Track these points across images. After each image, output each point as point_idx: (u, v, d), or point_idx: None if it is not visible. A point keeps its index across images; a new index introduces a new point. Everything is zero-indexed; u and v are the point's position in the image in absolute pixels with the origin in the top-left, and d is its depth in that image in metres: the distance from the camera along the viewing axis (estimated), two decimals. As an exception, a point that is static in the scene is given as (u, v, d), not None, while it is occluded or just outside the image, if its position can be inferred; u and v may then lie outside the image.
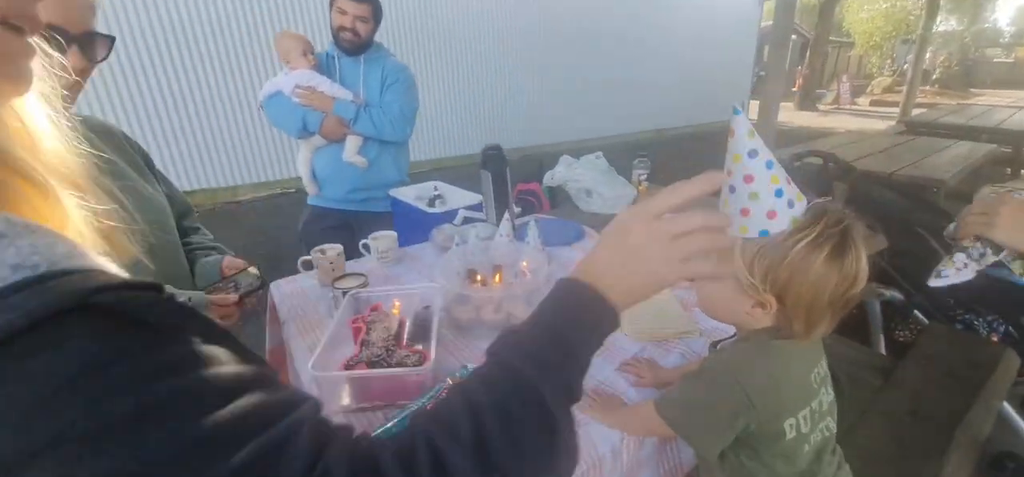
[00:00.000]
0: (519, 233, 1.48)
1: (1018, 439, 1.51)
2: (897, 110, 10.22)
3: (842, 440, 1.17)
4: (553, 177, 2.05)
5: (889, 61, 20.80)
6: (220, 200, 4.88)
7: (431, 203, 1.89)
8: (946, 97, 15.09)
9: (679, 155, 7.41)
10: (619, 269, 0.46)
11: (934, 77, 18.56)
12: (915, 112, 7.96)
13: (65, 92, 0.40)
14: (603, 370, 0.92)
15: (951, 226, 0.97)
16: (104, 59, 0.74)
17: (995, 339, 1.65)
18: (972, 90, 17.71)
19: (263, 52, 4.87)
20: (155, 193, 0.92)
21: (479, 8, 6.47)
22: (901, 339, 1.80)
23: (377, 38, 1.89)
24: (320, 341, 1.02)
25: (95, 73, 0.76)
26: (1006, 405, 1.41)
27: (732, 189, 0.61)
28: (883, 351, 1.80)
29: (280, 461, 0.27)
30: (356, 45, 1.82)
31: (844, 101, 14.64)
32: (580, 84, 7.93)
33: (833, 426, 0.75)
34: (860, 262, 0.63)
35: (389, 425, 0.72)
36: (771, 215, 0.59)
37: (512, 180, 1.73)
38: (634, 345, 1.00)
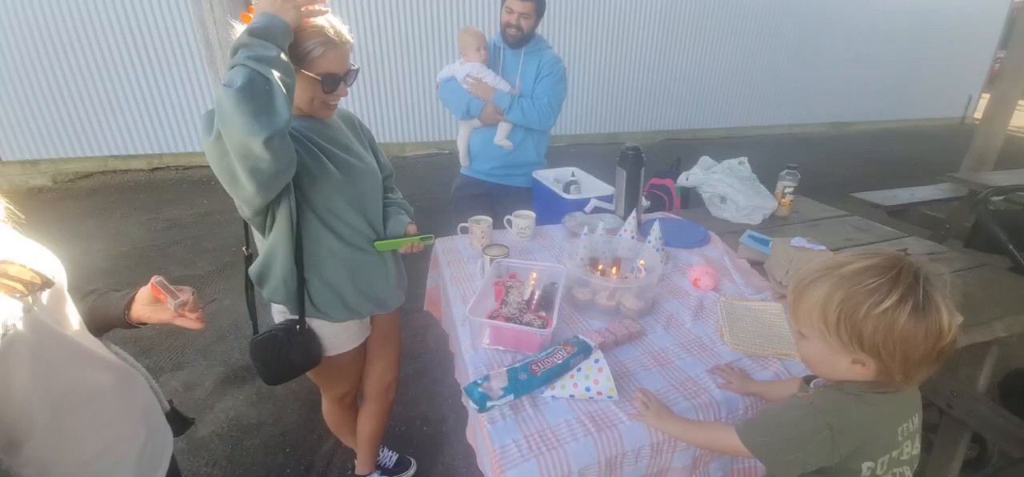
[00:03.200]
0: (643, 229, 1.61)
1: None
2: None
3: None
4: (688, 178, 2.08)
5: None
6: (390, 154, 5.79)
7: (566, 188, 2.10)
8: None
9: (857, 159, 6.35)
10: None
11: None
12: None
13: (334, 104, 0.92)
14: (694, 368, 1.05)
15: None
16: (353, 82, 1.14)
17: None
18: None
19: (438, 38, 5.62)
20: (371, 163, 1.29)
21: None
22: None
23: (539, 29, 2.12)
24: (469, 292, 1.34)
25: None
26: None
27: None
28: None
29: None
30: (519, 39, 2.08)
31: None
32: (744, 67, 7.18)
33: (908, 474, 0.77)
34: (943, 315, 0.61)
35: (515, 365, 0.98)
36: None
37: (647, 173, 1.84)
38: (731, 354, 1.10)
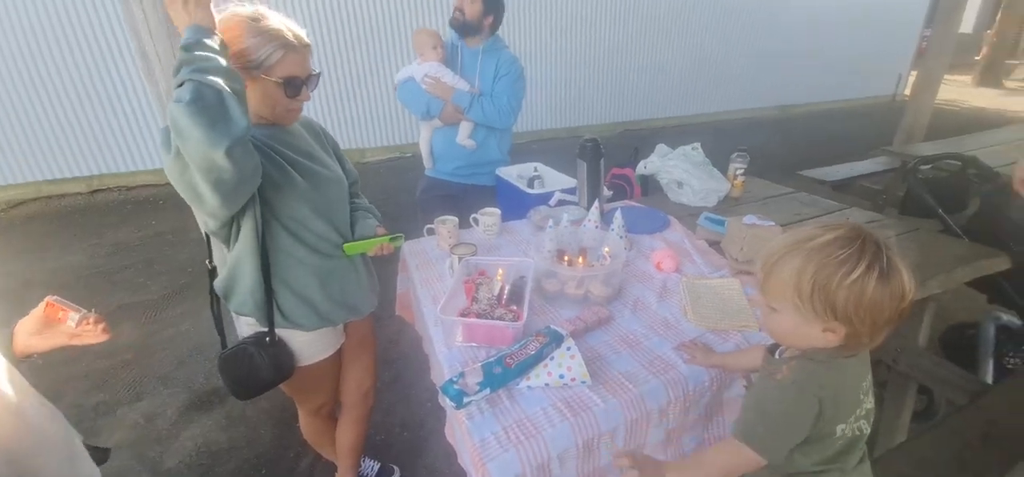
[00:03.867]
0: (606, 218, 1.66)
1: None
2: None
3: (904, 446, 1.23)
4: (646, 166, 2.15)
5: None
6: (351, 159, 5.67)
7: (530, 184, 2.13)
8: None
9: (803, 140, 6.73)
10: None
11: None
12: None
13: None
14: (662, 347, 1.10)
15: None
16: (315, 87, 1.12)
17: None
18: None
19: (395, 39, 5.56)
20: (337, 170, 1.27)
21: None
22: (1011, 366, 1.65)
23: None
24: (440, 292, 1.34)
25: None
26: None
27: None
28: (990, 376, 1.68)
29: None
30: (463, 25, 2.06)
31: (1044, 75, 11.69)
32: (695, 58, 7.46)
33: (866, 429, 0.83)
34: (904, 277, 0.66)
35: (489, 360, 1.00)
36: None
37: (607, 164, 1.89)
38: (695, 330, 1.15)
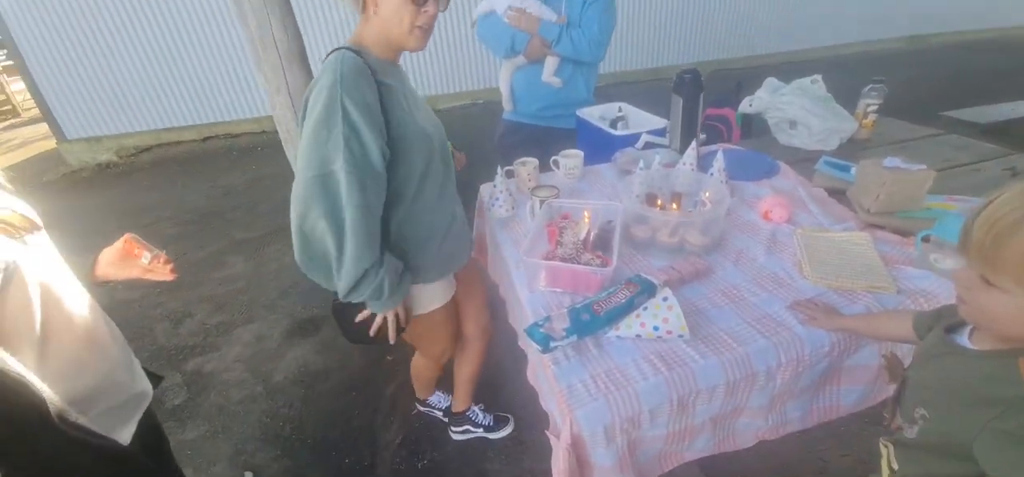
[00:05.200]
0: (703, 162, 1.49)
1: None
2: None
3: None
4: (752, 103, 1.90)
5: None
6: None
7: (613, 124, 1.97)
8: None
9: (942, 75, 5.64)
10: None
11: None
12: None
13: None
14: (771, 304, 0.97)
15: None
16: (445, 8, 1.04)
17: None
18: None
19: None
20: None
21: None
22: None
23: None
24: (520, 235, 1.30)
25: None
26: None
27: None
28: None
29: None
30: None
31: None
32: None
33: None
34: None
35: (577, 306, 0.94)
36: None
37: (703, 102, 1.69)
38: (812, 288, 1.01)
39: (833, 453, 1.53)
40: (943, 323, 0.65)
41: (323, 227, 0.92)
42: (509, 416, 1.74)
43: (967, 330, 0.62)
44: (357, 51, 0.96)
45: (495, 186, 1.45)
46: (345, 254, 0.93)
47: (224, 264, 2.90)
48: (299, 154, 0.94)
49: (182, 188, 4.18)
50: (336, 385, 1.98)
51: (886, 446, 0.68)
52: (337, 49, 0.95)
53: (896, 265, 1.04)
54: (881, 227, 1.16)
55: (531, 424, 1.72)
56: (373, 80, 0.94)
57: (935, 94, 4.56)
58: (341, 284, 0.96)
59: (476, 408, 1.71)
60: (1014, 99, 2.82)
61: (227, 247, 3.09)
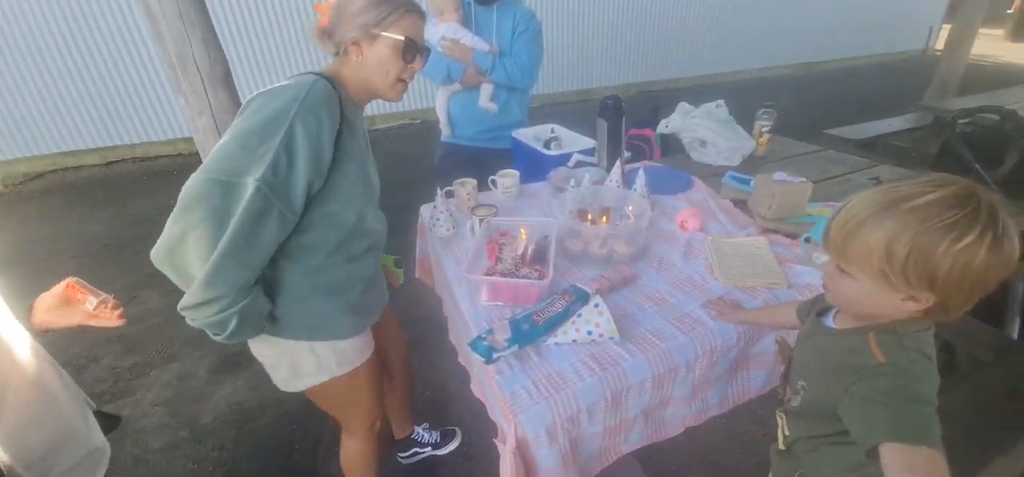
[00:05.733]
0: (627, 179, 1.63)
1: None
2: None
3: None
4: (668, 125, 2.09)
5: None
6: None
7: (547, 145, 2.09)
8: None
9: (827, 97, 6.49)
10: None
11: None
12: None
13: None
14: (688, 304, 1.09)
15: None
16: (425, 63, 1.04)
17: None
18: None
19: None
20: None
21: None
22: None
23: None
24: (461, 253, 1.34)
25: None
26: None
27: None
28: (1016, 333, 1.65)
29: None
30: None
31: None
32: (711, 15, 7.15)
33: None
34: (1015, 244, 0.57)
35: (516, 317, 1.00)
36: None
37: (626, 123, 1.85)
38: (721, 288, 1.14)
39: (751, 431, 1.71)
40: (816, 308, 0.79)
41: (200, 232, 0.78)
42: (456, 429, 1.75)
43: (833, 313, 0.75)
44: (333, 82, 0.93)
45: (436, 206, 1.49)
46: (205, 269, 0.79)
47: (136, 300, 2.65)
48: (212, 152, 0.83)
49: (82, 218, 3.76)
50: (273, 420, 1.88)
51: (781, 416, 0.81)
52: (312, 73, 0.92)
53: (787, 264, 1.21)
54: (775, 231, 1.34)
55: (479, 438, 1.75)
56: (338, 115, 0.91)
57: (821, 114, 5.23)
58: (185, 298, 0.82)
59: (420, 429, 1.70)
60: (885, 117, 3.32)
61: (138, 281, 2.83)
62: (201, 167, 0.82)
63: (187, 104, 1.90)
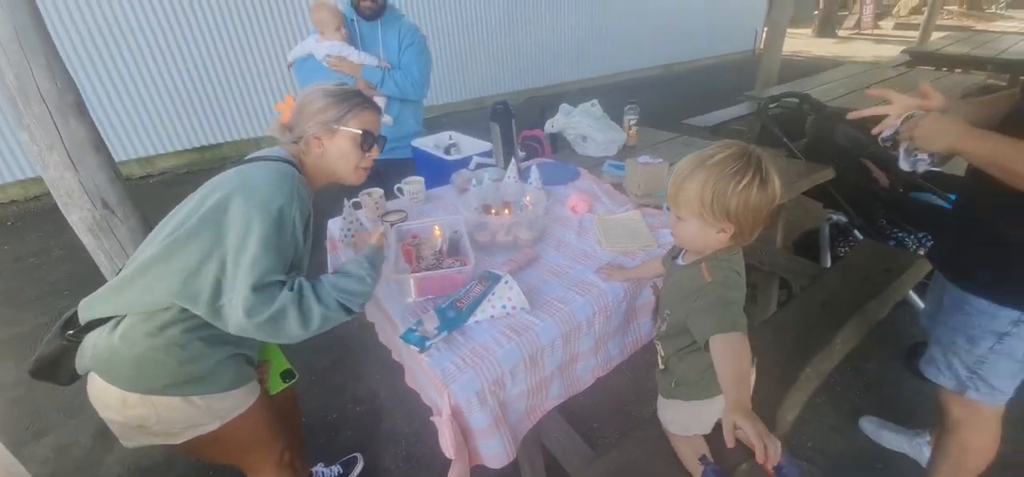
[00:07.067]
0: (523, 175, 1.81)
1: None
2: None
3: (768, 320, 1.55)
4: (553, 124, 2.34)
5: (916, -22, 19.56)
6: (244, 151, 5.23)
7: (447, 151, 2.22)
8: (976, 19, 14.32)
9: (683, 93, 7.50)
10: None
11: (964, -4, 17.48)
12: (936, 36, 7.72)
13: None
14: (584, 273, 1.29)
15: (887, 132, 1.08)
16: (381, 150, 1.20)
17: (922, 252, 1.99)
18: (1011, 10, 16.39)
19: (286, 15, 5.13)
20: None
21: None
22: (841, 254, 2.14)
23: None
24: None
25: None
26: (911, 293, 1.77)
27: None
28: (828, 263, 2.16)
29: None
30: (375, 10, 2.07)
31: (866, 25, 14.03)
32: (586, 25, 7.87)
33: None
34: (776, 183, 0.81)
35: (442, 306, 1.11)
36: None
37: (517, 127, 2.04)
38: (608, 255, 1.36)
39: (651, 373, 1.99)
40: (672, 254, 1.03)
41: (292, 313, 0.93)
42: (356, 454, 1.76)
43: (682, 254, 0.99)
44: (298, 170, 1.06)
45: (345, 218, 1.53)
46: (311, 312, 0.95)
47: (-21, 377, 2.24)
48: (247, 267, 0.89)
49: None
50: (183, 473, 1.74)
51: (657, 342, 1.02)
52: (285, 161, 1.04)
53: (656, 230, 1.47)
54: (646, 206, 1.61)
55: (417, 439, 1.80)
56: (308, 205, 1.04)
57: (678, 106, 6.05)
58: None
59: (318, 468, 1.68)
60: (727, 106, 3.97)
61: (-21, 355, 2.39)
62: (246, 284, 0.89)
63: (33, 139, 1.68)
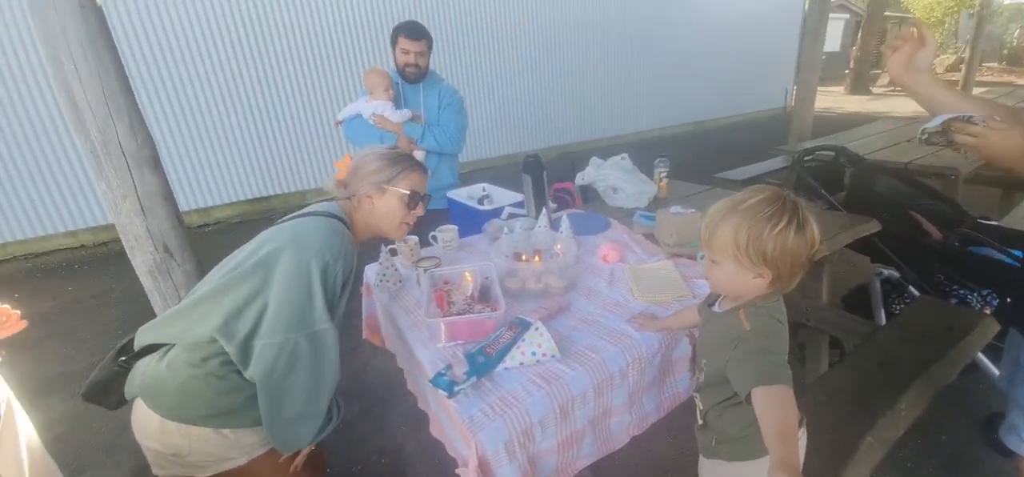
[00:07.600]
0: (554, 225, 1.83)
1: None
2: (956, 91, 9.60)
3: (819, 380, 1.46)
4: (584, 177, 2.37)
5: (953, 37, 19.37)
6: (295, 203, 5.54)
7: (481, 202, 2.28)
8: (1018, 75, 13.94)
9: (714, 148, 7.50)
10: None
11: (1004, 52, 17.12)
12: (977, 91, 7.53)
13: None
14: (616, 322, 1.26)
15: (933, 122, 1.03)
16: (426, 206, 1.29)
17: (987, 312, 1.84)
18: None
19: (335, 75, 5.64)
20: None
21: (514, 28, 6.86)
22: (897, 311, 2.01)
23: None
24: (410, 303, 1.43)
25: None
26: (981, 357, 1.62)
27: None
28: (882, 320, 2.02)
29: None
30: (418, 75, 2.23)
31: (900, 82, 13.81)
32: (616, 85, 8.13)
33: None
34: (814, 229, 0.79)
35: (472, 351, 1.11)
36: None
37: (549, 179, 2.08)
38: (641, 305, 1.33)
39: (693, 437, 1.87)
40: (708, 302, 0.99)
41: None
42: None
43: (718, 301, 0.96)
44: (347, 226, 1.15)
45: (381, 264, 1.57)
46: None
47: (35, 408, 2.34)
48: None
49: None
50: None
51: (696, 395, 0.97)
52: (336, 217, 1.12)
53: (691, 279, 1.44)
54: (679, 255, 1.58)
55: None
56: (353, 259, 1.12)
57: (709, 162, 6.04)
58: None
59: None
60: (758, 161, 3.94)
61: (40, 386, 2.52)
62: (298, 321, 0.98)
63: (110, 188, 1.85)
